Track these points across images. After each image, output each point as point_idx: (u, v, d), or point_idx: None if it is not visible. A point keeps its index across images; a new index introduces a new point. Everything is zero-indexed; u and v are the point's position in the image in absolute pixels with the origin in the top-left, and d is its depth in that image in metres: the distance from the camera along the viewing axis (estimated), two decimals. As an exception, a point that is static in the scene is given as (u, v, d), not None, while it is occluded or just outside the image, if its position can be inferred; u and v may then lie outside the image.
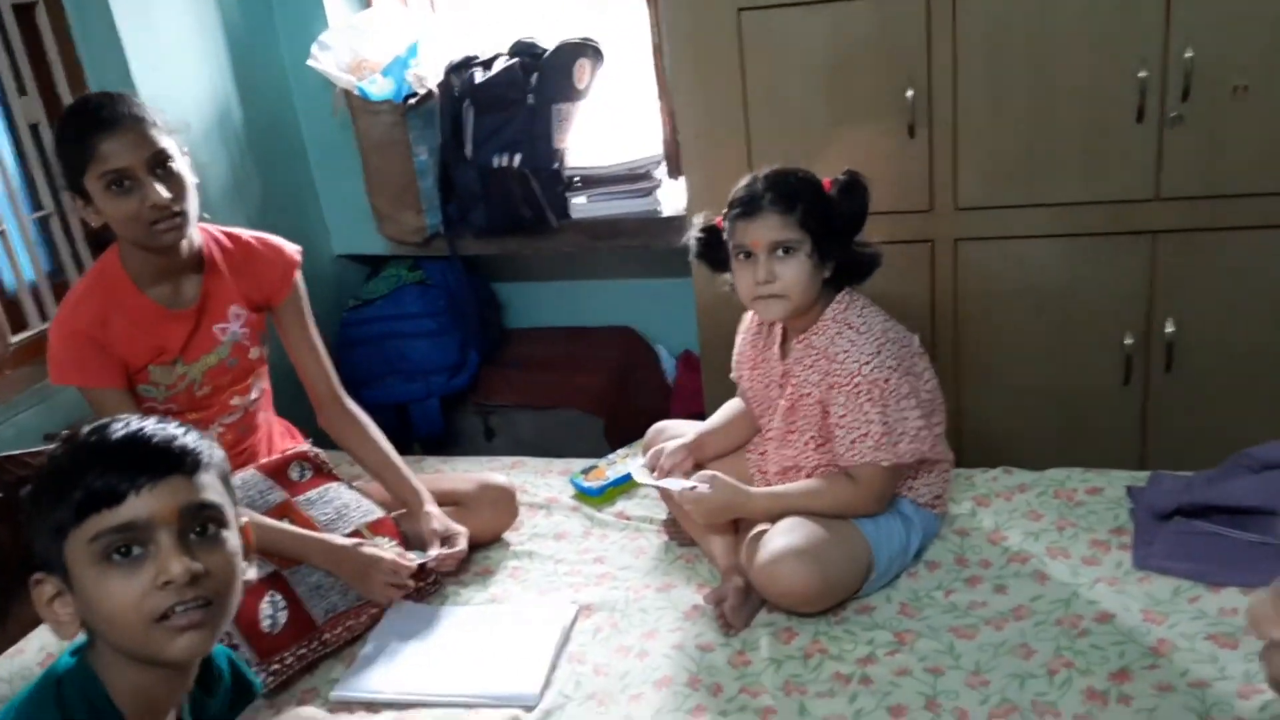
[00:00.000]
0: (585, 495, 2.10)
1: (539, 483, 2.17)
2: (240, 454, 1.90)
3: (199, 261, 1.78)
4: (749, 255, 1.69)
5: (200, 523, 0.99)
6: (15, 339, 2.12)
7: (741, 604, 1.64)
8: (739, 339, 1.95)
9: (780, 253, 1.66)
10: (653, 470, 1.82)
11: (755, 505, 1.70)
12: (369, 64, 2.70)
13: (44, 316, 2.20)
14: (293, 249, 1.90)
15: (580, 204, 2.77)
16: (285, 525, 1.73)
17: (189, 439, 1.01)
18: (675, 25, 2.34)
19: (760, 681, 1.52)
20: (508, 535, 2.00)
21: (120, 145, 1.59)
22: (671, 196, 2.79)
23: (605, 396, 2.88)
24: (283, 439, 2.01)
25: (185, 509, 0.98)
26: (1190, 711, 1.34)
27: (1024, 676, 1.45)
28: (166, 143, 1.63)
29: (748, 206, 1.68)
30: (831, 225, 1.66)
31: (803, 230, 1.66)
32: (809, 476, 1.74)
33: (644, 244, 2.77)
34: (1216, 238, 2.22)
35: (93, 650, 1.01)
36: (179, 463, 0.98)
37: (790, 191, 1.65)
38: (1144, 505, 1.76)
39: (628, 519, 2.01)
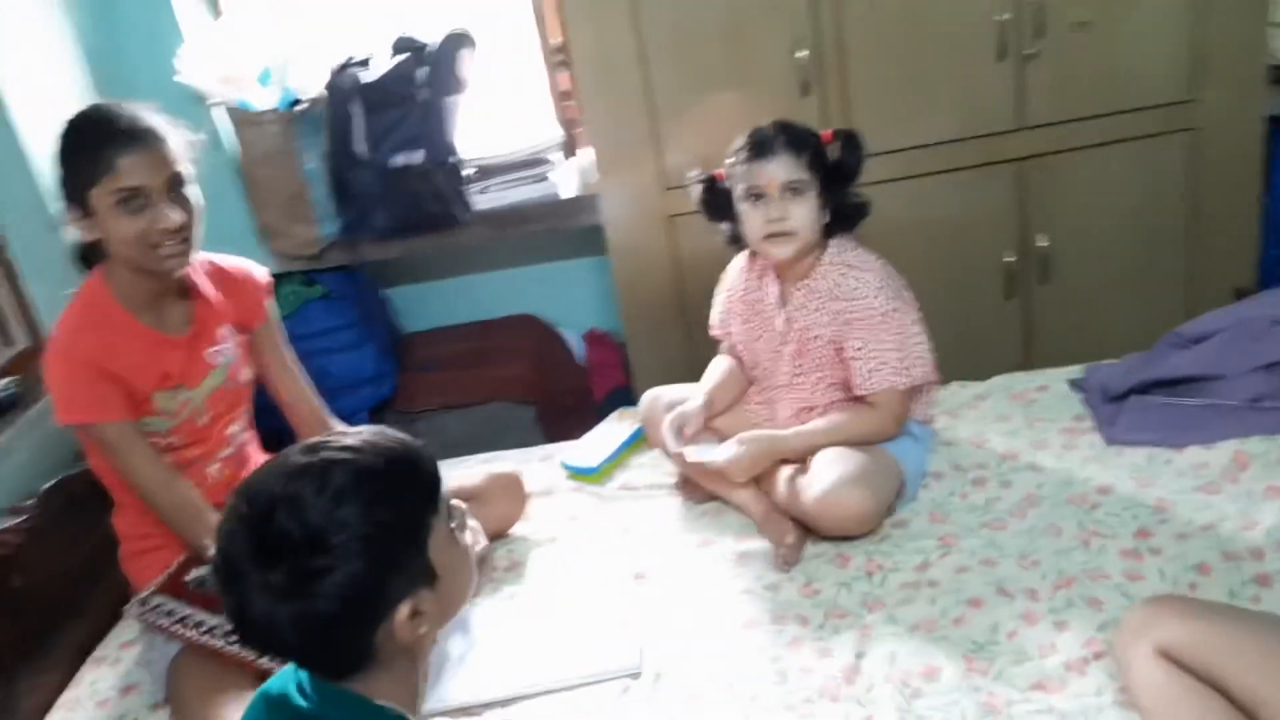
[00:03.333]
0: (582, 475, 2.12)
1: (526, 472, 2.17)
2: (240, 490, 1.80)
3: (184, 287, 1.68)
4: (760, 197, 1.78)
5: None
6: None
7: (797, 543, 1.75)
8: (720, 297, 2.04)
9: (791, 193, 1.77)
10: (678, 434, 1.88)
11: (789, 446, 1.81)
12: (237, 76, 2.55)
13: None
14: (262, 271, 1.83)
15: (480, 196, 2.75)
16: None
17: None
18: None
19: (839, 605, 1.64)
20: (518, 529, 2.00)
21: (140, 163, 1.50)
22: (566, 177, 2.83)
23: (531, 384, 2.88)
24: (272, 470, 1.91)
25: None
26: (1212, 549, 1.58)
27: (1065, 551, 1.65)
28: (184, 165, 1.54)
29: (761, 149, 1.78)
30: (831, 173, 1.79)
31: (811, 173, 1.78)
32: (823, 414, 1.86)
33: (552, 228, 2.79)
34: (1071, 157, 2.53)
35: (363, 674, 0.97)
36: None
37: (800, 136, 1.78)
38: (1095, 391, 2.01)
39: (634, 489, 2.07)
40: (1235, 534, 1.61)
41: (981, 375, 2.26)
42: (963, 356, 2.61)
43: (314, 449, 0.96)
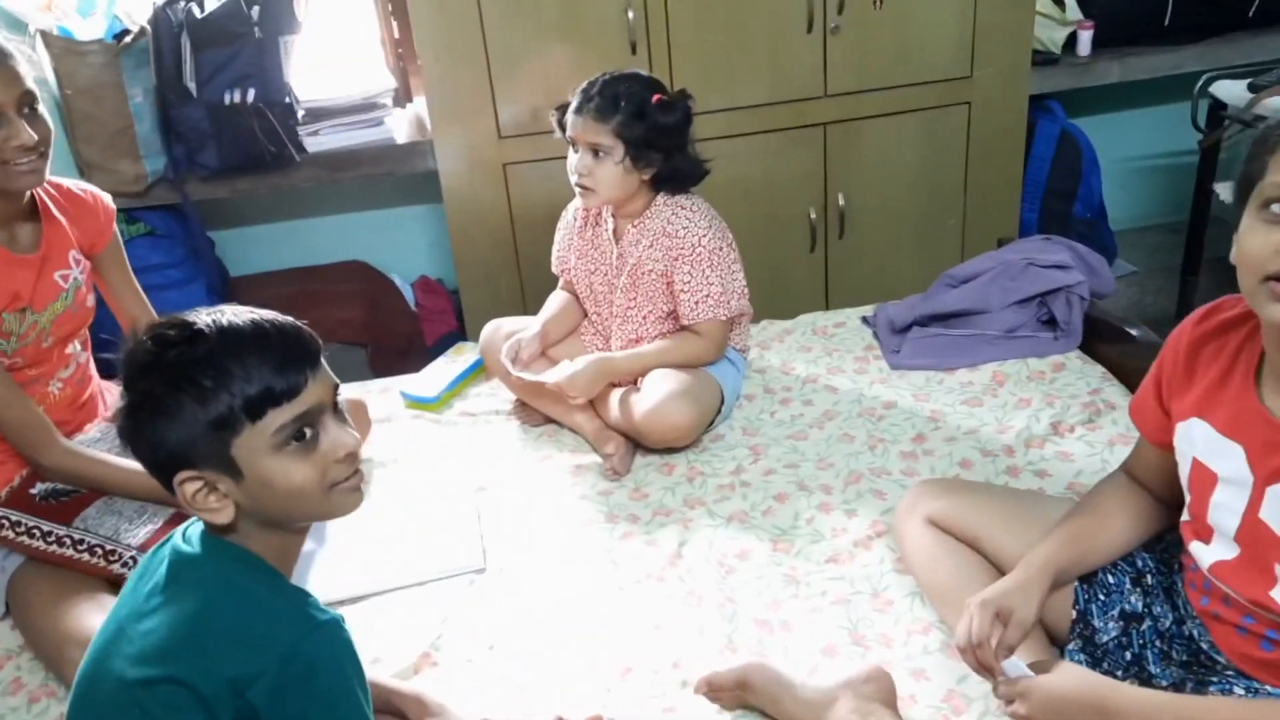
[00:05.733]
0: (422, 404, 2.23)
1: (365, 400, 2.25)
2: (81, 409, 1.81)
3: (33, 208, 1.67)
4: (574, 145, 1.93)
5: (336, 400, 1.09)
6: None
7: (626, 454, 1.93)
8: (559, 235, 2.18)
9: (593, 153, 1.92)
10: (514, 360, 2.02)
11: (622, 367, 1.98)
12: (58, 3, 2.47)
13: None
14: (108, 195, 1.84)
15: (312, 138, 2.78)
16: None
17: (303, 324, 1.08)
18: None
19: (665, 504, 1.83)
20: (363, 451, 2.08)
21: None
22: (400, 123, 2.89)
23: (363, 327, 2.94)
24: (110, 394, 1.92)
25: (334, 389, 1.07)
26: (973, 449, 1.88)
27: (855, 454, 1.91)
28: (33, 83, 1.54)
29: (578, 105, 1.91)
30: (647, 136, 1.90)
31: (616, 138, 1.90)
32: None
33: (386, 172, 2.85)
34: (867, 124, 2.82)
35: (232, 531, 1.06)
36: (319, 347, 1.07)
37: (613, 101, 1.89)
38: (882, 325, 2.29)
39: (473, 415, 2.19)
40: (992, 436, 1.91)
41: (789, 317, 2.51)
42: (773, 301, 2.88)
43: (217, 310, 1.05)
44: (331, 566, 1.74)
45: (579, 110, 1.91)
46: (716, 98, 2.69)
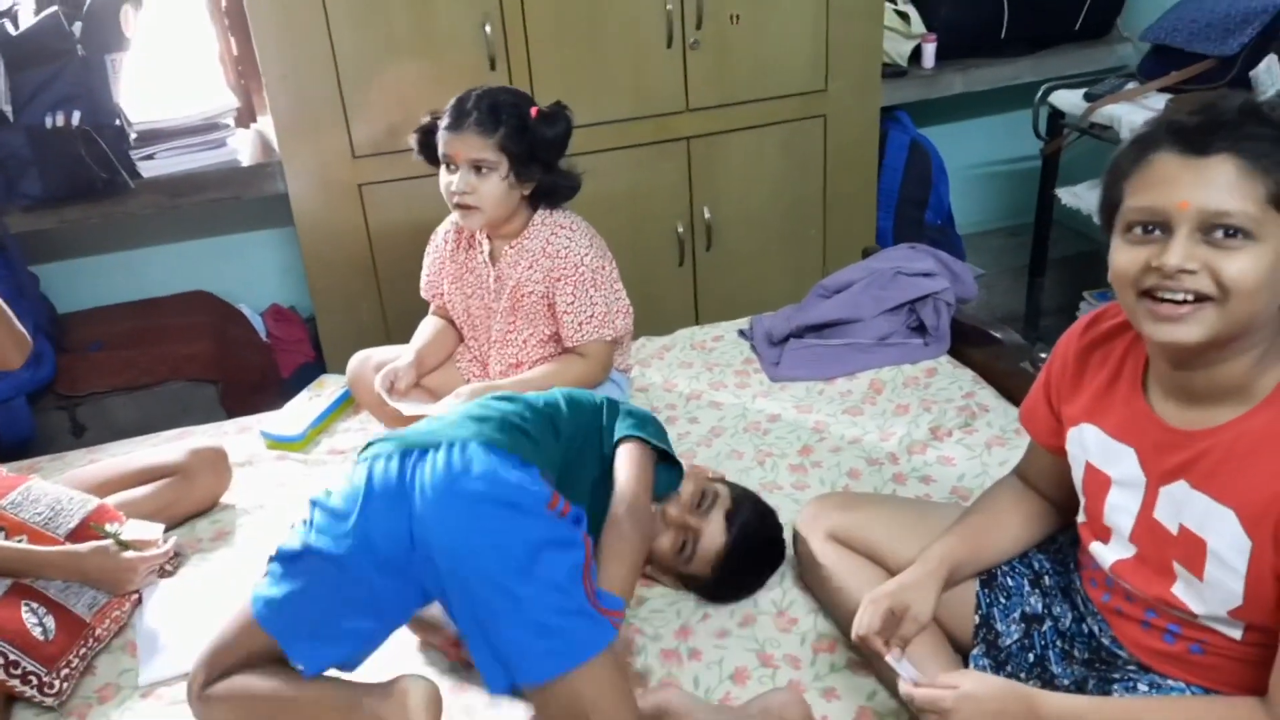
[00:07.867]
0: (285, 444, 2.09)
1: (223, 445, 2.09)
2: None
3: None
4: (452, 165, 1.85)
5: None
6: None
7: (511, 481, 1.85)
8: (428, 259, 2.09)
9: (476, 170, 1.84)
10: (390, 391, 1.92)
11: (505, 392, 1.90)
12: None
13: None
14: None
15: (147, 163, 2.59)
16: (8, 543, 1.54)
17: None
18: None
19: (556, 536, 1.76)
20: (224, 498, 1.94)
21: None
22: (244, 144, 2.73)
23: (211, 362, 2.75)
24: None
25: None
26: (859, 458, 1.89)
27: (746, 470, 1.90)
28: None
29: (454, 121, 1.83)
30: (531, 149, 1.85)
31: (501, 152, 1.83)
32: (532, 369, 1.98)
33: (232, 196, 2.68)
34: (729, 138, 2.84)
35: None
36: None
37: (493, 114, 1.82)
38: (760, 337, 2.30)
39: (342, 452, 2.07)
40: (875, 444, 1.93)
41: (662, 332, 2.49)
42: (644, 316, 2.84)
43: None
44: (188, 634, 1.59)
45: (456, 127, 1.83)
46: (579, 112, 2.57)
